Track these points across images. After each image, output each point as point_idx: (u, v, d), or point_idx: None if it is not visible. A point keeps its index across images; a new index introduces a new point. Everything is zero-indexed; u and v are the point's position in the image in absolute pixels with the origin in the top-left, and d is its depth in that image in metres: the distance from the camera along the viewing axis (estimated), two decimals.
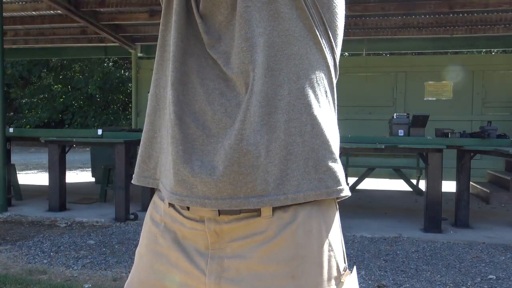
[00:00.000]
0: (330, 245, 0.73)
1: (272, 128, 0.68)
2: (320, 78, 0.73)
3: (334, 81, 0.77)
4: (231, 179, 0.68)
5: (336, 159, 0.72)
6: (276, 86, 0.69)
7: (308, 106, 0.70)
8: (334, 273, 0.73)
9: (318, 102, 0.71)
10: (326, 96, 0.74)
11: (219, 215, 0.71)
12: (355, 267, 0.79)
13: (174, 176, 0.72)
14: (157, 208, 0.83)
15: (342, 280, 0.73)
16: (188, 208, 0.74)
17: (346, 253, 0.78)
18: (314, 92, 0.71)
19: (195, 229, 0.75)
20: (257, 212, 0.71)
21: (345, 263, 0.76)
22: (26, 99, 19.68)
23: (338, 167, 0.73)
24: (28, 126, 18.62)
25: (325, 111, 0.73)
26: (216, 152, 0.70)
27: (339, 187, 0.72)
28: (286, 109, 0.69)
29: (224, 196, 0.69)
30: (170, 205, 0.79)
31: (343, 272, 0.74)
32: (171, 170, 0.72)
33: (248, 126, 0.68)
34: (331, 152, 0.72)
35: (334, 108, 0.77)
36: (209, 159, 0.70)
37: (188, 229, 0.76)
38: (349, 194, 0.75)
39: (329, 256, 0.73)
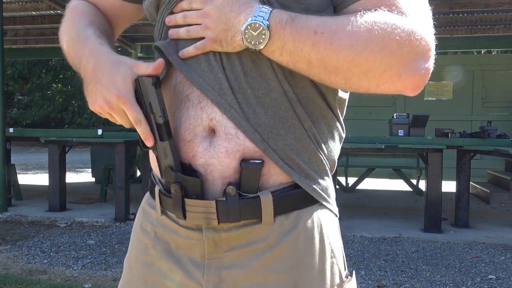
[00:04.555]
0: (332, 251, 0.72)
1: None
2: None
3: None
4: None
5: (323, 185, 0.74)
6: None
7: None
8: (337, 280, 0.72)
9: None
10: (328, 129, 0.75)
11: (218, 223, 0.69)
12: (354, 271, 0.78)
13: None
14: (148, 216, 0.79)
15: (344, 287, 0.73)
16: (184, 217, 0.70)
17: (346, 253, 0.78)
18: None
19: (191, 238, 0.72)
20: (258, 219, 0.69)
21: (345, 269, 0.75)
22: (25, 96, 19.70)
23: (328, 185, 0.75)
24: (26, 122, 18.63)
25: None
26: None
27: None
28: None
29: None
30: (163, 213, 0.75)
31: (345, 278, 0.73)
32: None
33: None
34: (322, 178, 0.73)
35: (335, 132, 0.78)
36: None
37: (183, 238, 0.73)
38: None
39: (332, 263, 0.71)
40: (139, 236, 0.80)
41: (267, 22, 0.63)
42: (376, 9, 0.63)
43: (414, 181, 7.11)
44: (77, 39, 0.75)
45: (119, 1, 0.86)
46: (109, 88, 0.66)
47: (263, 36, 0.63)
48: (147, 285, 0.77)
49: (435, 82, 8.10)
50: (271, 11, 0.64)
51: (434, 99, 8.15)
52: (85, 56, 0.71)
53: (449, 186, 5.65)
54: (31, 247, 3.81)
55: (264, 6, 0.64)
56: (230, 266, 0.70)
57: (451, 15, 7.08)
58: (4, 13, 6.03)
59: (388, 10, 0.63)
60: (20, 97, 19.96)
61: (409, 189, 7.12)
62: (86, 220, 4.83)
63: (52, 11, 7.11)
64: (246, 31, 0.63)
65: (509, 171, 7.13)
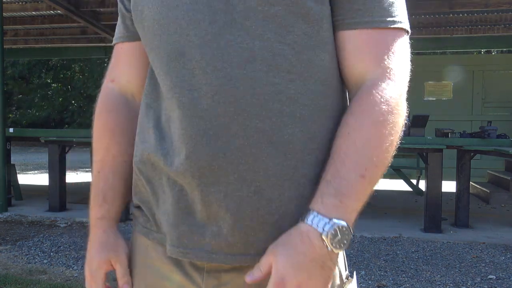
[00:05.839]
0: None
1: (295, 184, 0.65)
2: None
3: None
4: (242, 234, 0.65)
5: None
6: (309, 136, 0.66)
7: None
8: (337, 281, 0.71)
9: None
10: None
11: None
12: (354, 272, 0.78)
13: (179, 226, 0.68)
14: None
15: None
16: None
17: (346, 253, 0.77)
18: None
19: None
20: None
21: (346, 270, 0.75)
22: (23, 95, 19.70)
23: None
24: (26, 122, 18.64)
25: None
26: (221, 200, 0.65)
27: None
28: (315, 163, 0.67)
29: (234, 252, 0.66)
30: None
31: (346, 280, 0.73)
32: (172, 219, 0.69)
33: (266, 178, 0.64)
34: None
35: None
36: (215, 208, 0.65)
37: None
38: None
39: None
40: (140, 238, 0.80)
41: (337, 220, 0.61)
42: (372, 107, 0.64)
43: (414, 181, 7.11)
44: (94, 192, 0.94)
45: (136, 45, 0.81)
46: (87, 265, 0.84)
47: (344, 229, 0.61)
48: (147, 286, 0.77)
49: (435, 82, 8.09)
50: (318, 211, 0.61)
51: (434, 99, 8.14)
52: (93, 220, 0.93)
53: (449, 186, 5.65)
54: (31, 247, 3.81)
55: (308, 214, 0.61)
56: (230, 270, 0.69)
57: (451, 15, 7.08)
58: (4, 13, 6.03)
59: (375, 73, 0.66)
60: (20, 96, 19.94)
61: (409, 189, 7.11)
62: (86, 220, 4.83)
63: (52, 11, 7.10)
64: (333, 244, 0.60)
65: (509, 171, 7.12)
